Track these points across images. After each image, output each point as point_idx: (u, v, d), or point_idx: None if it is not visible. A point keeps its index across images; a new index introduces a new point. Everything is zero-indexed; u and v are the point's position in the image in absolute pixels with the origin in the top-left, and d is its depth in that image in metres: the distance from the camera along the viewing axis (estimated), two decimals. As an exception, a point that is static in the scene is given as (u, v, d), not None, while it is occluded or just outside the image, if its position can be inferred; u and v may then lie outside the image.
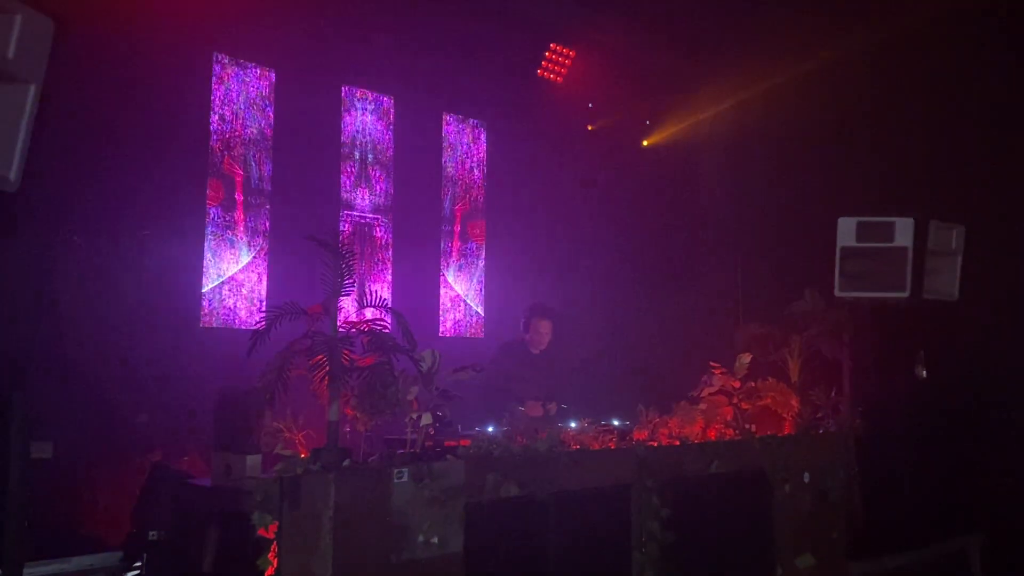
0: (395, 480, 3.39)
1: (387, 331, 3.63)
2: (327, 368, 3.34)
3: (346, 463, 3.36)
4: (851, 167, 7.01)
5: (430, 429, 3.75)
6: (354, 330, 3.50)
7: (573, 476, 4.07)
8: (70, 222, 5.42)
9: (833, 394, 5.66)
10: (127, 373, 5.58)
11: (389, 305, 3.93)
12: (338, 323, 3.48)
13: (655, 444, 4.58)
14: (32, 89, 2.94)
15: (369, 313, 3.69)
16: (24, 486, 2.49)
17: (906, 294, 5.91)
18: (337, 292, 3.48)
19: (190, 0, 5.62)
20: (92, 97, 5.31)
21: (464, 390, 3.96)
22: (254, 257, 6.37)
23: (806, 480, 5.35)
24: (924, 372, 6.23)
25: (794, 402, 5.33)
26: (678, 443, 4.68)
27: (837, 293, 5.98)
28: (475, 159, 7.88)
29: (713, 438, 4.95)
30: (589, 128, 8.53)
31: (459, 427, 4.29)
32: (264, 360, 3.38)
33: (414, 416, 3.54)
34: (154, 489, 4.31)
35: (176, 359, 5.80)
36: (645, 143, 8.83)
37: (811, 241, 6.58)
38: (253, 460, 3.48)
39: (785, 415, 5.50)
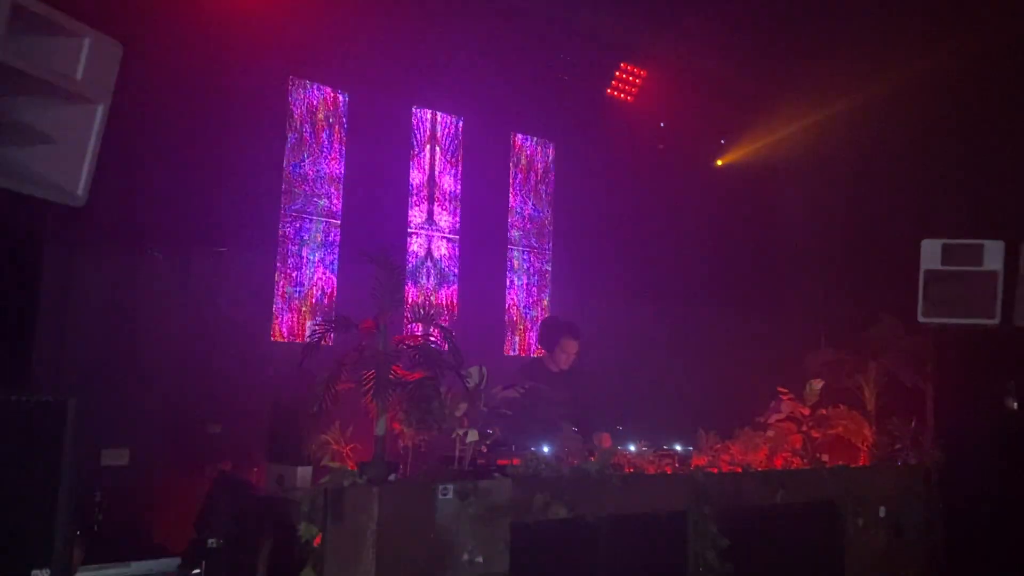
0: (439, 496, 3.38)
1: (441, 348, 3.64)
2: (375, 382, 3.36)
3: (392, 477, 3.37)
4: (936, 187, 6.69)
5: (481, 447, 3.73)
6: (404, 345, 3.52)
7: (626, 500, 3.97)
8: (149, 238, 5.66)
9: (913, 424, 5.38)
10: (201, 384, 5.76)
11: (439, 321, 3.92)
12: (390, 338, 3.51)
13: (715, 471, 4.43)
14: (100, 109, 3.09)
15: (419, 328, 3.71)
16: (73, 494, 2.58)
17: (996, 321, 5.62)
18: (387, 307, 3.51)
19: (262, 22, 5.83)
20: (173, 115, 5.54)
21: (516, 408, 3.93)
22: (325, 273, 6.52)
23: (882, 515, 5.09)
24: (1015, 404, 5.85)
25: (868, 431, 5.08)
26: (740, 470, 4.52)
27: (921, 319, 5.71)
28: (544, 179, 7.88)
29: (779, 467, 4.76)
30: (660, 148, 8.42)
31: (513, 446, 4.25)
32: (314, 368, 3.43)
33: (460, 432, 3.52)
34: (216, 497, 4.41)
35: (247, 371, 5.96)
36: (719, 162, 8.65)
37: (892, 264, 6.32)
38: (303, 471, 3.54)
39: (860, 445, 5.25)
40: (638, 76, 7.95)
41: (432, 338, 3.61)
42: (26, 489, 2.57)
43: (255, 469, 5.65)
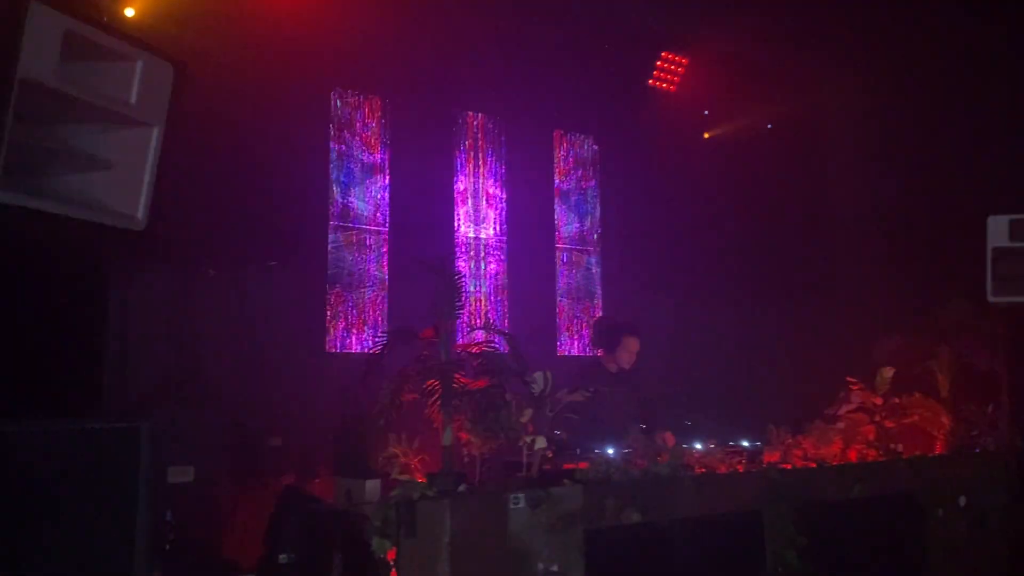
0: (511, 505, 3.31)
1: (500, 352, 3.58)
2: (439, 392, 3.31)
3: (462, 488, 3.31)
4: (1000, 160, 6.42)
5: (547, 452, 3.65)
6: (466, 353, 3.46)
7: (699, 502, 3.86)
8: (201, 256, 5.71)
9: (990, 409, 5.17)
10: (260, 398, 5.80)
11: (499, 327, 3.86)
12: (451, 347, 3.46)
13: (788, 467, 4.29)
14: (155, 132, 3.09)
15: (481, 336, 3.66)
16: (151, 514, 2.57)
17: (1068, 297, 5.37)
18: (447, 315, 3.45)
19: (305, 36, 5.83)
20: (218, 134, 5.57)
21: (581, 412, 3.85)
22: (375, 282, 6.51)
23: (962, 504, 4.88)
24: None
25: (945, 419, 4.89)
26: (814, 465, 4.37)
27: (990, 298, 5.51)
28: (589, 174, 7.78)
29: (854, 459, 4.60)
30: (705, 136, 8.26)
31: (578, 450, 4.18)
32: (376, 379, 3.40)
33: (528, 440, 3.45)
34: (284, 512, 4.40)
35: (305, 384, 5.99)
36: (766, 148, 8.44)
37: (956, 243, 6.10)
38: (372, 485, 3.50)
39: (935, 433, 5.06)
40: (679, 65, 7.80)
41: (495, 345, 3.55)
42: (104, 516, 2.58)
43: (317, 481, 5.70)
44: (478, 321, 3.60)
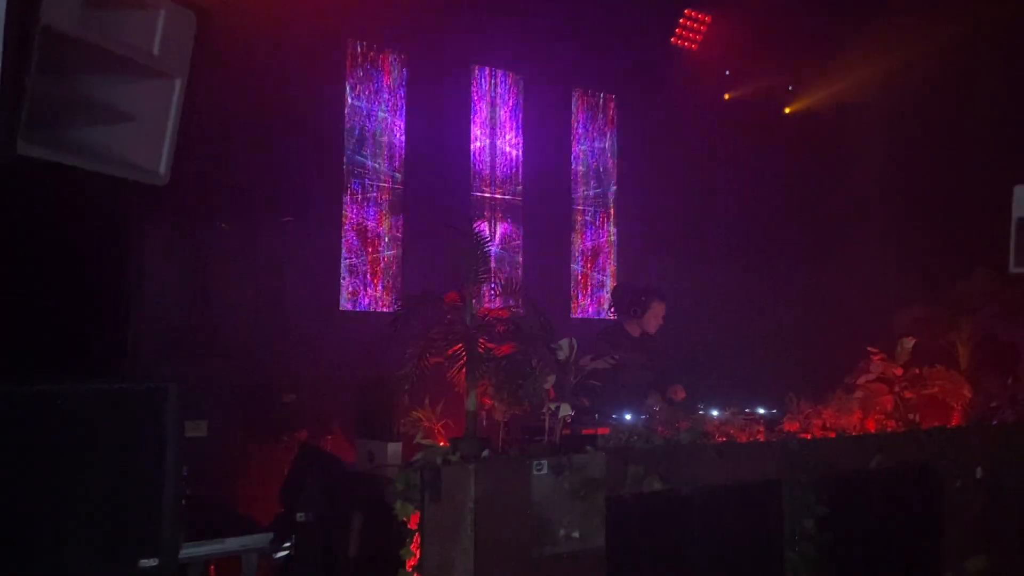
0: (534, 472, 3.29)
1: (525, 317, 3.52)
2: (464, 357, 3.27)
3: (485, 454, 3.29)
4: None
5: (567, 418, 3.62)
6: (490, 318, 3.41)
7: (719, 470, 3.84)
8: (216, 211, 5.63)
9: (1010, 382, 5.14)
10: (274, 354, 5.78)
11: (523, 290, 3.79)
12: (475, 311, 3.40)
13: (808, 436, 4.27)
14: (178, 84, 2.99)
15: (504, 300, 3.60)
16: (178, 476, 2.54)
17: (1092, 269, 5.29)
18: (473, 280, 3.39)
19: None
20: (232, 87, 5.45)
21: (602, 378, 3.81)
22: (390, 240, 6.44)
23: (979, 476, 4.88)
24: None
25: (966, 391, 4.85)
26: (834, 435, 4.35)
27: (1012, 269, 5.42)
28: (606, 133, 7.65)
29: (873, 430, 4.58)
30: (727, 97, 8.10)
31: (596, 415, 4.15)
32: (398, 342, 3.35)
33: (552, 407, 3.41)
34: (302, 470, 4.40)
35: (318, 341, 5.96)
36: (787, 111, 8.30)
37: (979, 213, 6.00)
38: (394, 448, 3.48)
39: (954, 405, 5.03)
40: (702, 22, 7.63)
41: (518, 310, 3.49)
42: (131, 477, 2.55)
43: (331, 437, 5.71)
44: (503, 286, 3.51)
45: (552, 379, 3.52)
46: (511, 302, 3.47)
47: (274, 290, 5.88)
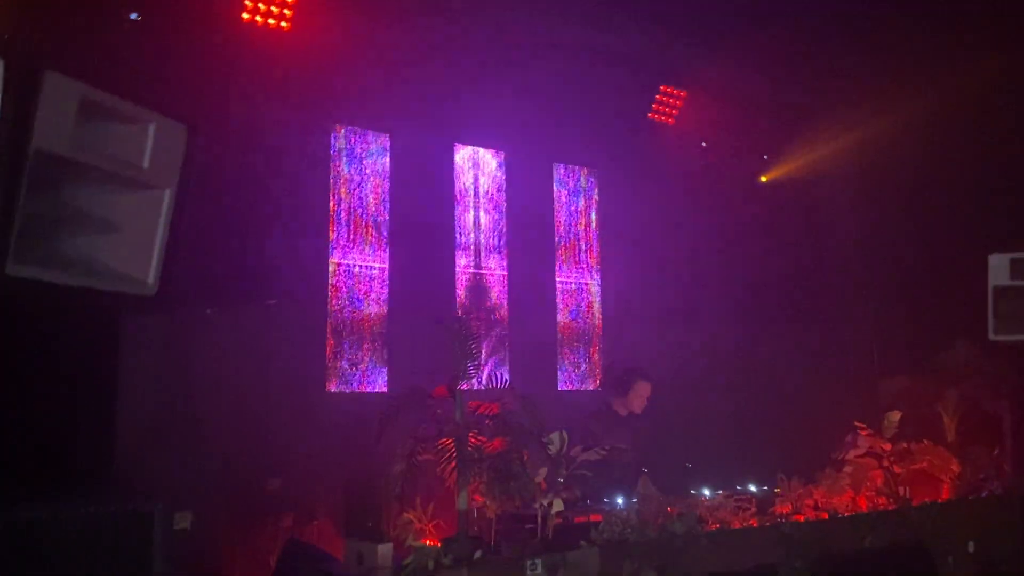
0: (528, 572, 3.25)
1: (514, 411, 3.52)
2: (454, 456, 3.25)
3: (478, 555, 3.25)
4: (999, 199, 6.44)
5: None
6: (479, 414, 3.40)
7: (714, 559, 3.81)
8: (199, 296, 5.60)
9: (996, 452, 5.17)
10: (259, 440, 5.68)
11: (506, 376, 3.78)
12: (465, 406, 3.40)
13: (801, 518, 4.26)
14: (167, 194, 3.01)
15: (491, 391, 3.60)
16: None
17: (1070, 335, 5.37)
18: (462, 376, 3.39)
19: (305, 72, 5.77)
20: (219, 175, 5.49)
21: (595, 468, 3.79)
22: (374, 323, 6.43)
23: (971, 550, 4.87)
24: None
25: (955, 466, 4.87)
26: (826, 516, 4.34)
27: (992, 336, 5.50)
28: (588, 207, 7.75)
29: (864, 508, 4.57)
30: (703, 167, 8.26)
31: (588, 501, 4.12)
32: (387, 416, 3.31)
33: (545, 503, 3.39)
34: (289, 569, 4.30)
35: (305, 425, 5.87)
36: (763, 179, 8.46)
37: (956, 282, 6.10)
38: (384, 549, 3.42)
39: (942, 477, 5.05)
40: (678, 98, 7.81)
41: (508, 402, 3.49)
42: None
43: (315, 522, 5.60)
44: (491, 380, 3.51)
45: (543, 472, 3.50)
46: (503, 398, 3.46)
47: (259, 373, 5.81)
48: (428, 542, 3.37)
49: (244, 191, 5.63)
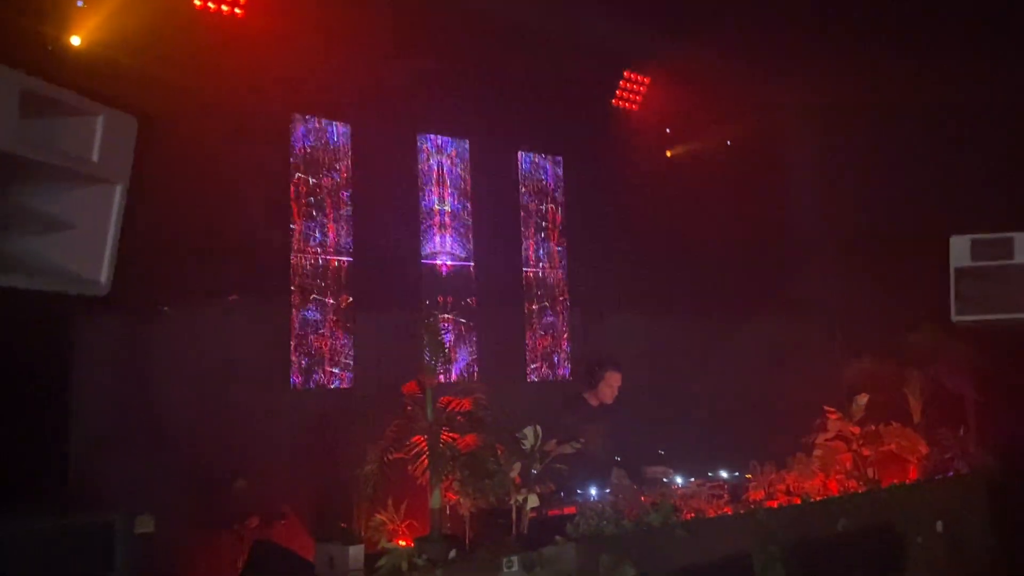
0: (505, 570, 3.19)
1: (485, 407, 3.44)
2: (426, 454, 3.17)
3: (452, 554, 3.17)
4: (960, 180, 6.51)
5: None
6: (451, 410, 3.32)
7: (690, 550, 3.79)
8: (157, 293, 5.42)
9: (961, 433, 5.24)
10: (221, 439, 5.54)
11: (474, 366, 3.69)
12: (436, 403, 3.32)
13: (775, 504, 4.27)
14: (118, 190, 2.87)
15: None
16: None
17: (1030, 315, 5.45)
18: (432, 372, 3.31)
19: (264, 61, 5.61)
20: (173, 167, 5.32)
21: (570, 462, 3.74)
22: (338, 316, 6.30)
23: (939, 530, 4.93)
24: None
25: (923, 447, 4.93)
26: (799, 501, 4.35)
27: (954, 318, 5.57)
28: (552, 194, 7.69)
29: (836, 491, 4.60)
30: (668, 154, 8.24)
31: (562, 494, 4.08)
32: (353, 411, 3.21)
33: (520, 500, 3.33)
34: (256, 572, 4.18)
35: (270, 423, 5.75)
36: (728, 165, 8.48)
37: (918, 264, 6.15)
38: (355, 551, 3.32)
39: (910, 459, 5.10)
40: (642, 84, 7.78)
41: (481, 398, 3.41)
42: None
43: (283, 521, 5.48)
44: (462, 375, 3.43)
45: (518, 467, 3.44)
46: (475, 394, 3.38)
47: (222, 372, 5.66)
48: (401, 543, 3.29)
49: (200, 183, 5.48)
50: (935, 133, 6.63)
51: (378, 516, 3.22)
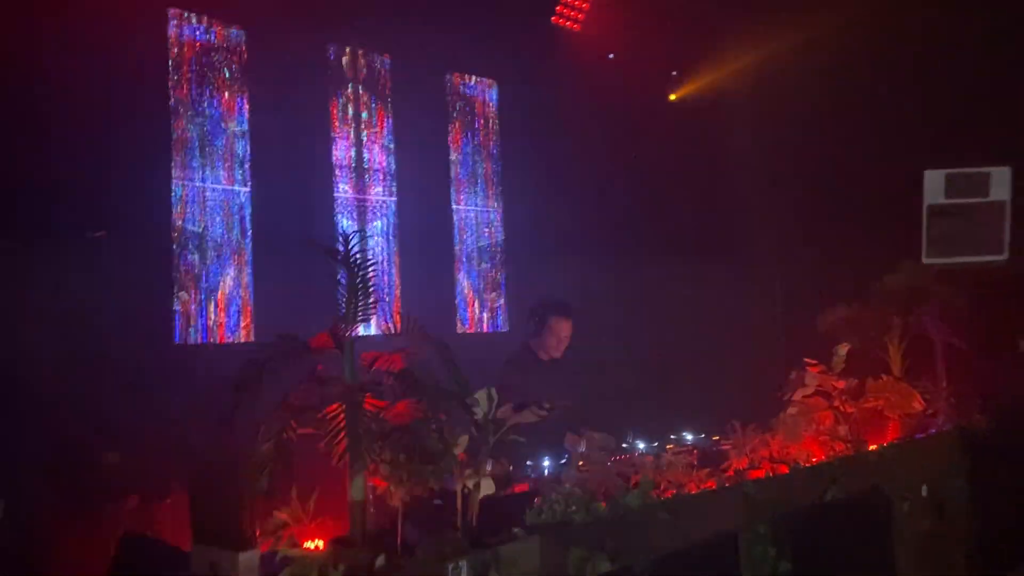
0: (451, 578, 2.40)
1: (423, 363, 2.62)
2: (345, 429, 2.33)
3: (380, 561, 2.36)
4: (934, 111, 5.98)
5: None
6: (378, 370, 2.49)
7: (672, 533, 3.09)
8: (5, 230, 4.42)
9: (944, 385, 4.74)
10: (89, 407, 4.61)
11: (411, 317, 2.82)
12: (358, 361, 2.47)
13: (760, 474, 3.63)
14: None
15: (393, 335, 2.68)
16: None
17: (1004, 257, 5.03)
18: (352, 318, 2.45)
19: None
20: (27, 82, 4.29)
21: (528, 432, 2.97)
22: (233, 256, 5.32)
23: (924, 494, 4.42)
24: (1029, 345, 5.33)
25: (918, 403, 4.39)
26: (786, 469, 3.72)
27: (925, 259, 5.08)
28: (485, 121, 6.81)
29: (822, 455, 4.00)
30: (610, 82, 7.46)
31: (511, 467, 3.33)
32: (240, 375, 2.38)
33: (470, 485, 2.53)
34: (127, 570, 3.30)
35: (149, 385, 4.81)
36: (673, 97, 7.77)
37: (889, 202, 5.64)
38: (247, 559, 2.46)
39: (890, 415, 4.55)
40: (584, 1, 6.95)
41: (417, 355, 2.58)
42: None
43: (168, 500, 4.63)
44: (394, 324, 2.57)
45: (465, 440, 2.64)
46: (411, 344, 2.54)
47: (86, 324, 4.66)
48: (311, 545, 2.47)
49: (58, 99, 4.46)
50: (910, 61, 6.07)
51: (278, 514, 2.38)
